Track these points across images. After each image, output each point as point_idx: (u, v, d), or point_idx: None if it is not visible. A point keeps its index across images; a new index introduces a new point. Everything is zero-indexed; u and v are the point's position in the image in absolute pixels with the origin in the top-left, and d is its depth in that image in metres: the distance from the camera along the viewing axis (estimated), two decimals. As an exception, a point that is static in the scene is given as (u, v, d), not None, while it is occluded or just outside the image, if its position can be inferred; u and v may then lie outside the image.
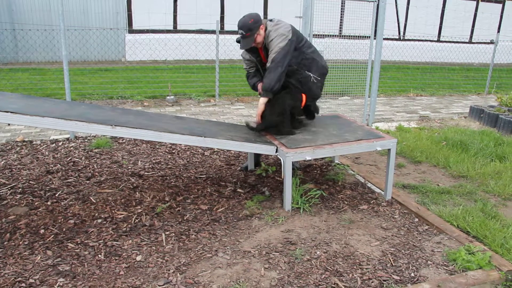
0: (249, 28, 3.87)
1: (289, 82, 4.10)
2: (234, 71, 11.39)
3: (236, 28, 4.01)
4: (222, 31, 12.48)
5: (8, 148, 5.32)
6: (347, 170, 4.86)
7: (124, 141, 5.65)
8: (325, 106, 8.60)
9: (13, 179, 4.37)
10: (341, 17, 12.30)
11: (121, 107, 7.31)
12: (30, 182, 4.32)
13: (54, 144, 5.52)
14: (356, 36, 8.80)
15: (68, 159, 4.97)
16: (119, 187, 4.21)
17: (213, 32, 9.50)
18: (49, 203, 3.85)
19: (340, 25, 12.22)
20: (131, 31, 13.94)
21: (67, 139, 5.72)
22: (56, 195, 4.01)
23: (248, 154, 4.72)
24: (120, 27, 13.88)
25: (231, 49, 11.93)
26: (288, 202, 3.79)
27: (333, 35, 9.96)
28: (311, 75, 4.13)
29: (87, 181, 4.34)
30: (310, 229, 3.51)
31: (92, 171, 4.62)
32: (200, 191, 4.17)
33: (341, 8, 9.87)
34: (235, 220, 3.64)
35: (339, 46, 9.64)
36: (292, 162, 3.71)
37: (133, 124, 3.47)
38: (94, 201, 3.89)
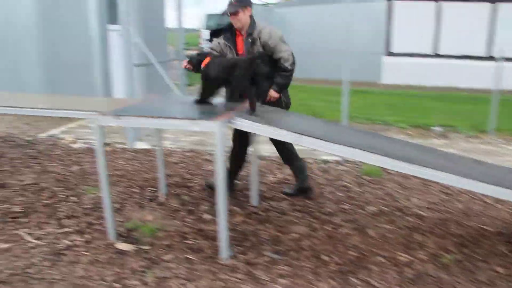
0: None
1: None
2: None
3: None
4: (492, 57, 11.30)
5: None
6: None
7: (392, 171, 5.45)
8: None
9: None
10: None
11: (385, 134, 7.14)
12: (306, 201, 4.47)
13: (324, 164, 5.68)
14: None
15: (338, 183, 5.02)
16: (396, 223, 4.01)
17: (479, 58, 8.59)
18: (327, 227, 3.90)
19: None
20: (390, 53, 13.84)
21: (337, 161, 5.80)
22: (332, 220, 4.04)
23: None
24: (379, 49, 13.90)
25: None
26: None
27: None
28: None
29: (362, 211, 4.27)
30: None
31: (365, 200, 4.55)
32: (490, 247, 3.65)
33: None
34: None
35: None
36: None
37: (430, 164, 3.22)
38: (373, 235, 3.77)
